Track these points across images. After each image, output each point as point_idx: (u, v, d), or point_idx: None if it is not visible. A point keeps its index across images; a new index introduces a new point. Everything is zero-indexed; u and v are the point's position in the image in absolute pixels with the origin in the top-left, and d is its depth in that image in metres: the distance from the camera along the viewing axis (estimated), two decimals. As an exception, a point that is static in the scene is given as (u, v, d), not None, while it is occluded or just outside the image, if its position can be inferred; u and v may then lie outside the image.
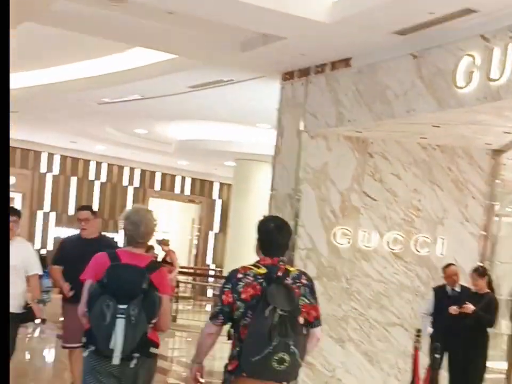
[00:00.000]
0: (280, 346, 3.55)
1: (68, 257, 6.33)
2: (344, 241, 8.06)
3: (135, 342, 3.95)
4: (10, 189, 16.39)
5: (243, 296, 3.73)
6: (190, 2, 6.05)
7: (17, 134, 14.39)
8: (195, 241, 19.97)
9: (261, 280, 3.75)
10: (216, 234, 19.91)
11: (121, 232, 4.33)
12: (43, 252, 15.48)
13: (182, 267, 16.28)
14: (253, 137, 12.96)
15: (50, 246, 16.89)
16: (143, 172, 18.57)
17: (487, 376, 7.45)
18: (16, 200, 16.65)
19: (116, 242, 7.10)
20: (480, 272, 7.39)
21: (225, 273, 11.10)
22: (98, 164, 17.87)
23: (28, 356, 9.12)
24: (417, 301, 8.10)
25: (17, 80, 10.64)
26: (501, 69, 5.69)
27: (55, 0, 6.42)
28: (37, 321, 7.46)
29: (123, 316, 3.88)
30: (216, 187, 19.86)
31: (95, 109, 11.80)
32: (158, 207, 17.93)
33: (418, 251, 8.12)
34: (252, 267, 3.82)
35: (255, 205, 13.03)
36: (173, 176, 19.12)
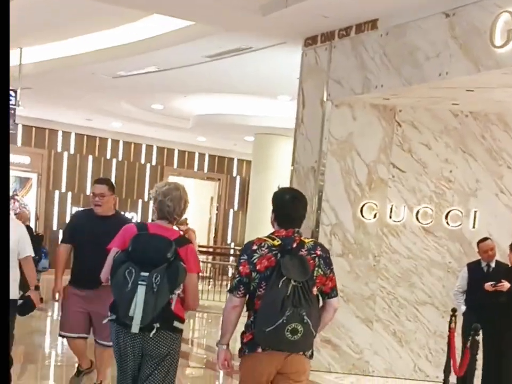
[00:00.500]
0: (293, 316, 3.56)
1: (78, 235, 5.71)
2: (371, 216, 7.75)
3: (156, 311, 3.89)
4: (26, 168, 16.20)
5: (258, 267, 3.74)
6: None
7: (32, 112, 14.17)
8: (214, 220, 19.69)
9: (276, 252, 3.75)
10: (235, 212, 19.64)
11: (153, 207, 4.28)
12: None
13: (201, 246, 16.05)
14: (273, 110, 12.60)
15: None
16: (160, 149, 18.23)
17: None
18: (32, 180, 16.41)
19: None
20: (517, 246, 6.95)
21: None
22: (115, 142, 17.53)
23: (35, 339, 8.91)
24: (448, 278, 7.72)
25: (29, 55, 10.37)
26: (543, 24, 5.27)
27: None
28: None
29: (144, 283, 3.84)
30: (235, 164, 19.55)
31: (110, 83, 11.46)
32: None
33: (450, 225, 7.73)
34: (267, 239, 3.83)
35: (275, 182, 12.67)
36: (191, 153, 18.79)
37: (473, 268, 7.23)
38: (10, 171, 14.00)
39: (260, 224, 12.18)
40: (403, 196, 7.73)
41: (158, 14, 8.21)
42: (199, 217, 18.50)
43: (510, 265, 7.05)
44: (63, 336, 5.87)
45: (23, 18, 8.16)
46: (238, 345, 3.85)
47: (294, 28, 7.45)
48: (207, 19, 7.79)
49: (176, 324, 4.08)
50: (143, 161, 18.10)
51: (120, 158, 17.73)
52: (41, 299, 5.65)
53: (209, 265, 16.30)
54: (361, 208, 7.70)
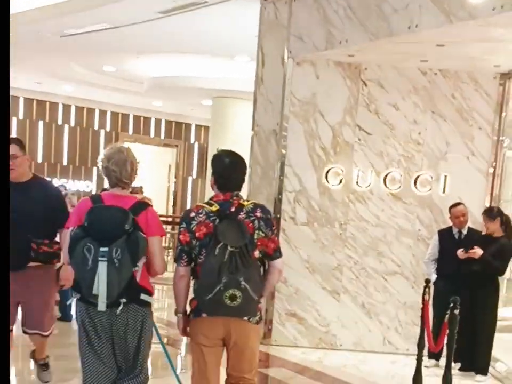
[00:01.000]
0: (230, 283, 3.54)
1: None
2: (336, 182, 7.31)
3: (121, 286, 3.76)
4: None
5: (197, 234, 3.73)
6: None
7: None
8: (173, 188, 19.14)
9: (214, 218, 3.73)
10: (194, 179, 19.12)
11: (102, 175, 4.05)
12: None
13: (159, 216, 15.47)
14: (231, 71, 12.01)
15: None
16: (115, 115, 17.59)
17: (502, 323, 6.70)
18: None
19: (57, 187, 5.71)
20: (492, 214, 6.56)
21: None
22: (67, 107, 16.85)
23: None
24: (418, 246, 7.33)
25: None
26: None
27: None
28: None
29: (105, 258, 3.69)
30: (193, 129, 18.97)
31: (58, 43, 10.82)
32: (131, 151, 17.00)
33: (419, 190, 7.30)
34: (205, 205, 3.81)
35: (235, 147, 12.07)
36: (147, 119, 18.18)
37: (445, 234, 6.87)
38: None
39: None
40: (370, 160, 7.29)
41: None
42: (157, 185, 17.99)
43: (483, 233, 6.69)
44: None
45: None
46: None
47: (251, -21, 6.91)
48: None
49: (143, 296, 3.95)
50: (96, 127, 17.49)
51: (72, 124, 17.10)
52: None
53: (168, 235, 15.77)
54: (326, 173, 7.27)
